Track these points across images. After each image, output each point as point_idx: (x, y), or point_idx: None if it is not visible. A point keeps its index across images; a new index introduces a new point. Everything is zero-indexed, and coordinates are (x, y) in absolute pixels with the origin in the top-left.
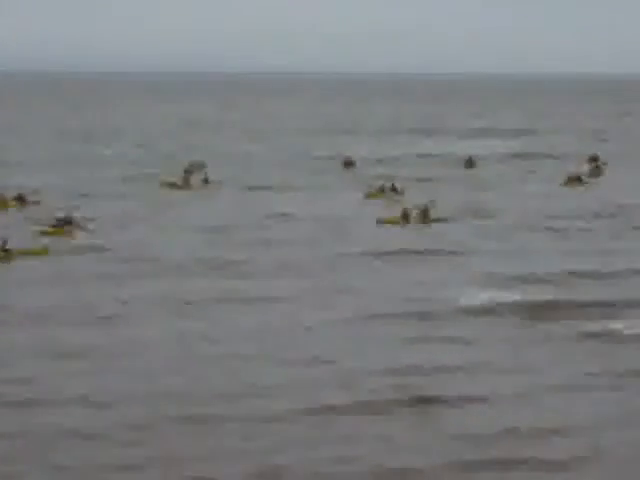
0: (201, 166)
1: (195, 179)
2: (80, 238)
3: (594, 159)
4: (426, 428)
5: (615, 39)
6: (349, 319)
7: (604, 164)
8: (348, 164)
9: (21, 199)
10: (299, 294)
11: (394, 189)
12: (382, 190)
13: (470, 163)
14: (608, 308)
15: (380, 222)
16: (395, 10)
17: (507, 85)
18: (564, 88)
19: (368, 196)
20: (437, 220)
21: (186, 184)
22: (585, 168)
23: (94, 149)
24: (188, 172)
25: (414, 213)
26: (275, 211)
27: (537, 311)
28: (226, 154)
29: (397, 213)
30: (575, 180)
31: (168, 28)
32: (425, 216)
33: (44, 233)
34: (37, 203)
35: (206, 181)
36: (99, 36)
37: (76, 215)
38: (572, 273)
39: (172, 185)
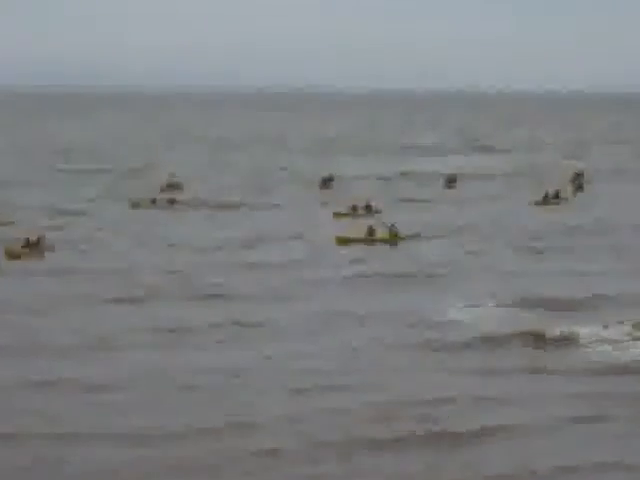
0: (178, 186)
1: (167, 198)
2: (48, 260)
3: (577, 176)
4: (446, 464)
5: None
6: (352, 347)
7: (586, 179)
8: (326, 182)
9: None
10: (293, 320)
11: (368, 207)
12: (354, 209)
13: (450, 181)
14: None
15: (341, 241)
16: (381, 25)
17: (492, 100)
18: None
19: (336, 215)
20: (405, 238)
21: (157, 203)
22: (568, 186)
23: (69, 165)
24: (164, 191)
25: (380, 232)
26: (241, 234)
27: (539, 338)
28: (204, 169)
29: (363, 232)
30: (552, 198)
31: (144, 45)
32: (392, 235)
33: (11, 255)
34: (11, 223)
35: (172, 201)
36: (82, 51)
37: (45, 236)
38: (562, 295)
39: (142, 204)
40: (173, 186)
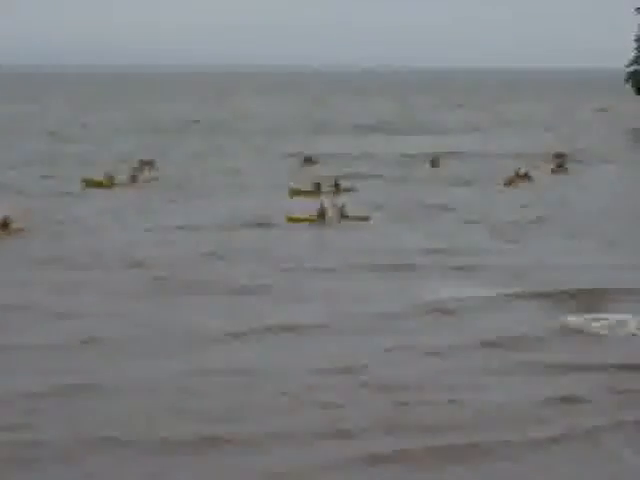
0: (150, 164)
1: (129, 176)
2: (19, 244)
3: (558, 156)
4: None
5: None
6: (359, 346)
7: (570, 160)
8: (308, 162)
9: None
10: (324, 321)
11: (336, 186)
12: (317, 188)
13: (435, 161)
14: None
15: (291, 220)
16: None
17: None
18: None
19: (295, 193)
20: (355, 218)
21: (116, 183)
22: (545, 166)
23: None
24: (136, 170)
25: (330, 211)
26: (209, 217)
27: (562, 336)
28: (183, 150)
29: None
30: (521, 178)
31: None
32: (342, 214)
33: None
34: None
35: (134, 179)
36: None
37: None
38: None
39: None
40: (144, 164)
